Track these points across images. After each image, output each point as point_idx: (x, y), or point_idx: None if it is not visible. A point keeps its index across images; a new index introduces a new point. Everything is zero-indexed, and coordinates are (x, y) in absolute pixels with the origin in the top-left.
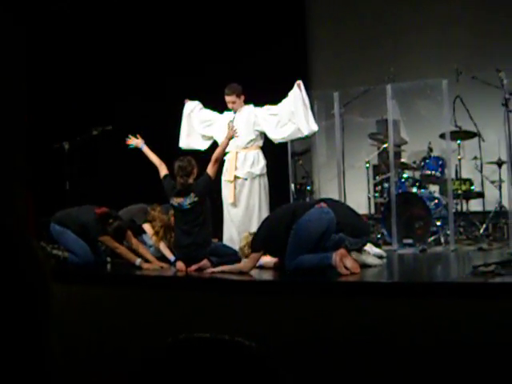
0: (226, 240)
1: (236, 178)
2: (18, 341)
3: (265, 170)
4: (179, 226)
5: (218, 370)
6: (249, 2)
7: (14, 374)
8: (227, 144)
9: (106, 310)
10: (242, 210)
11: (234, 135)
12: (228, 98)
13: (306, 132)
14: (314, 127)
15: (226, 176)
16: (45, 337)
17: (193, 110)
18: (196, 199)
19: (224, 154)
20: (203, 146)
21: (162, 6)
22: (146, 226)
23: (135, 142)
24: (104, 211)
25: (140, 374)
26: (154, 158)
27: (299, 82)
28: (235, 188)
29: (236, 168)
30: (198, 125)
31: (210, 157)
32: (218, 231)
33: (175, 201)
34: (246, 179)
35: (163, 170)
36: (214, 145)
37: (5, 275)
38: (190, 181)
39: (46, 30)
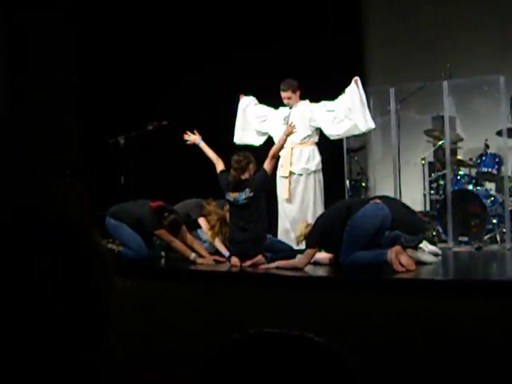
0: (280, 236)
1: (291, 173)
2: (82, 332)
3: (320, 166)
4: (234, 221)
5: (289, 367)
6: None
7: (74, 364)
8: (285, 140)
9: (159, 304)
10: (297, 205)
11: (292, 132)
12: (284, 94)
13: (363, 129)
14: (371, 124)
15: (281, 172)
16: (107, 330)
17: (248, 106)
18: (251, 194)
19: (281, 149)
20: (258, 141)
21: None
22: (202, 221)
23: (192, 137)
24: (159, 205)
25: (208, 370)
26: (210, 153)
27: (356, 78)
28: (290, 184)
29: (291, 164)
30: (252, 120)
31: (265, 153)
32: (273, 227)
33: (231, 196)
34: (301, 175)
35: (220, 166)
36: (269, 140)
37: (70, 268)
38: (246, 176)
39: (100, 25)
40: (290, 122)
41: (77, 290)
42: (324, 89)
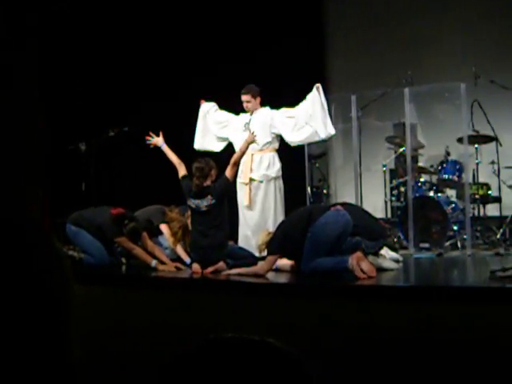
0: (241, 242)
1: (251, 180)
2: (39, 341)
3: (280, 173)
4: (196, 227)
5: (250, 372)
6: (267, 4)
7: (34, 376)
8: (247, 148)
9: (120, 311)
10: (258, 212)
11: (254, 140)
12: (243, 98)
13: (323, 135)
14: (332, 131)
15: (242, 178)
16: (66, 338)
17: (208, 111)
18: (213, 201)
19: (242, 156)
20: (218, 147)
21: (178, 5)
22: (164, 227)
23: (155, 139)
24: (120, 212)
25: (167, 376)
26: (173, 157)
27: (318, 84)
28: (250, 190)
29: (251, 170)
30: (213, 126)
31: (224, 158)
32: (234, 234)
33: (192, 202)
34: (261, 181)
35: (182, 171)
36: (229, 146)
37: (27, 274)
38: (208, 182)
39: (60, 31)
40: (251, 130)
41: (33, 295)
42: (285, 96)
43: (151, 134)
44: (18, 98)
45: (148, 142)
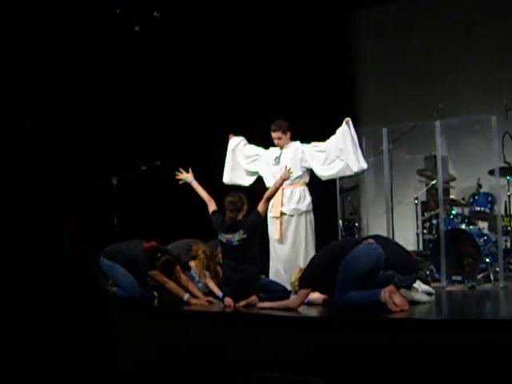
0: (272, 276)
1: (282, 214)
2: (84, 374)
3: (311, 207)
4: (228, 262)
5: None
6: (298, 40)
7: None
8: (281, 184)
9: (152, 344)
10: (289, 246)
11: (288, 176)
12: (274, 134)
13: (355, 169)
14: (364, 165)
15: (272, 212)
16: (110, 372)
17: (237, 146)
18: (245, 236)
19: (275, 193)
20: (247, 181)
21: (211, 41)
22: (192, 263)
23: (185, 176)
24: (153, 245)
25: None
26: (203, 193)
27: (348, 119)
28: (281, 224)
29: (282, 204)
30: (242, 160)
31: (253, 192)
32: (265, 268)
33: (224, 237)
34: (292, 216)
35: (212, 206)
36: (258, 180)
37: (73, 308)
38: (240, 217)
39: (94, 64)
40: (287, 167)
41: (81, 330)
42: (315, 130)
43: (181, 170)
44: (52, 132)
45: (178, 178)
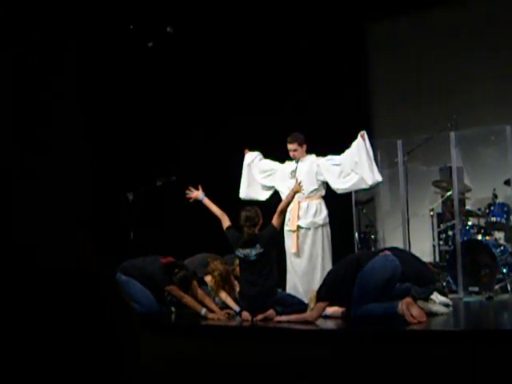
0: (289, 289)
1: (299, 227)
2: None
3: (327, 220)
4: (245, 276)
5: None
6: (314, 54)
7: None
8: (293, 197)
9: (170, 360)
10: (305, 259)
11: (300, 189)
12: (290, 146)
13: (370, 182)
14: (379, 177)
15: (289, 226)
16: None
17: (253, 161)
18: (262, 250)
19: (288, 205)
20: (263, 196)
21: (227, 52)
22: (208, 278)
23: (195, 194)
24: (170, 261)
25: None
26: (215, 209)
27: (363, 132)
28: (298, 238)
29: (299, 218)
30: (258, 175)
31: (268, 206)
32: (281, 281)
33: (241, 252)
34: (308, 229)
35: (226, 222)
36: (275, 195)
37: (100, 325)
38: (256, 231)
39: (109, 79)
40: (298, 180)
41: (106, 346)
42: (330, 143)
43: (191, 188)
44: (67, 147)
45: (188, 196)
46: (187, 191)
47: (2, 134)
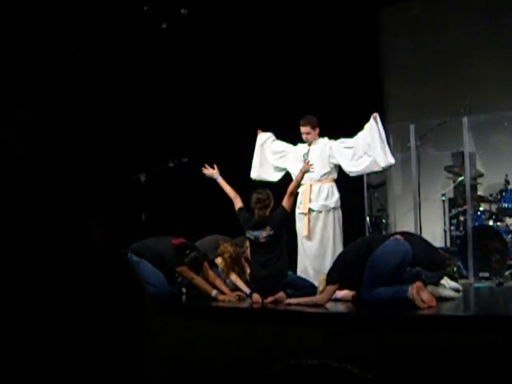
0: (300, 272)
1: (310, 210)
2: (117, 374)
3: (339, 203)
4: (255, 258)
5: None
6: (326, 38)
7: None
8: (302, 177)
9: (181, 341)
10: (317, 242)
11: (309, 169)
12: (303, 129)
13: (383, 164)
14: (391, 160)
15: (301, 209)
16: (145, 373)
17: (265, 142)
18: (272, 232)
19: (298, 186)
20: (275, 177)
21: (239, 37)
22: (218, 260)
23: (210, 172)
24: (181, 242)
25: None
26: (228, 189)
27: (375, 114)
28: (309, 221)
29: (310, 201)
30: (270, 156)
31: (280, 188)
32: (293, 264)
33: (251, 234)
34: (320, 212)
35: (238, 203)
36: (286, 176)
37: (112, 308)
38: (267, 213)
39: (122, 62)
40: (307, 160)
41: (118, 329)
42: (343, 126)
43: (206, 166)
44: (80, 129)
45: (205, 175)
46: (203, 168)
47: (16, 119)
